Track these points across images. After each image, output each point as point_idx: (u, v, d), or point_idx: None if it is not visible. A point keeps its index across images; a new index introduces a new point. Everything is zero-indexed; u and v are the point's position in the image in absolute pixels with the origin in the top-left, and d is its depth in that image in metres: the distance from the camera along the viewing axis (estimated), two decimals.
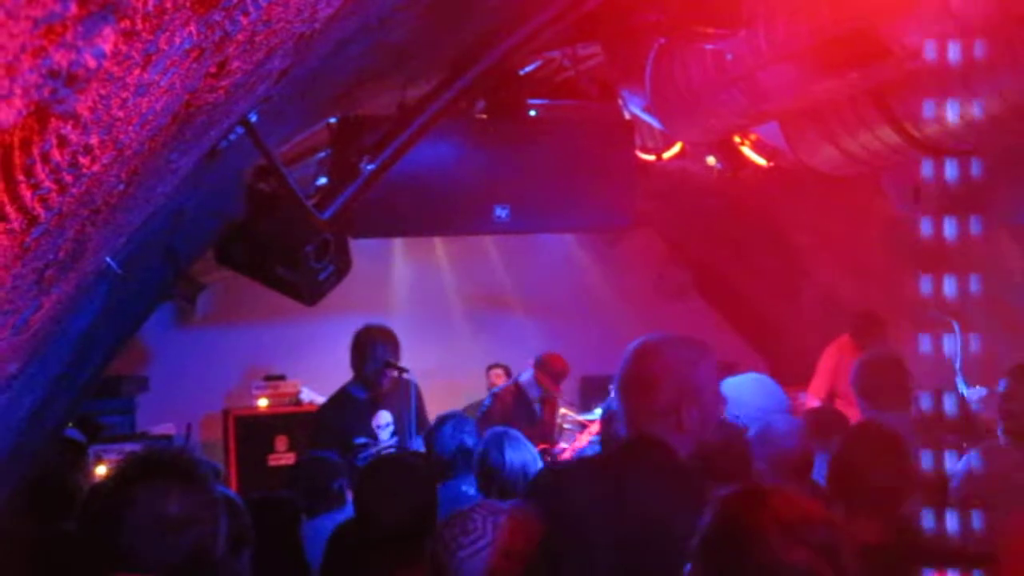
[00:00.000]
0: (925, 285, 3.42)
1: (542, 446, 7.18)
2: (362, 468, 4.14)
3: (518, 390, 7.51)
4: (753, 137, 6.27)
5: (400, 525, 3.44)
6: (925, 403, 3.38)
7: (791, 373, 8.85)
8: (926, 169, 3.91)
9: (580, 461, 3.49)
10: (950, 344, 3.54)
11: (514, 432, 4.81)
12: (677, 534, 2.70)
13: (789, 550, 1.90)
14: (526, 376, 7.62)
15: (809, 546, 1.91)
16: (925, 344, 3.64)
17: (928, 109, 3.88)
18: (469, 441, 5.10)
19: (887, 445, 3.34)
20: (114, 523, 2.54)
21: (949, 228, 3.35)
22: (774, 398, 4.33)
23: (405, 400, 6.09)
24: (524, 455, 4.67)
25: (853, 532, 3.04)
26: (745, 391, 4.51)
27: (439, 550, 2.84)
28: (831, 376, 7.67)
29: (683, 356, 2.89)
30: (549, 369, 7.55)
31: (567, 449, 7.01)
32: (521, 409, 7.39)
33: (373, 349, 6.17)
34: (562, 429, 7.49)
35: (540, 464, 4.70)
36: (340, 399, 6.33)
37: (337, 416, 6.23)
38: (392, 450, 6.01)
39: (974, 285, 3.35)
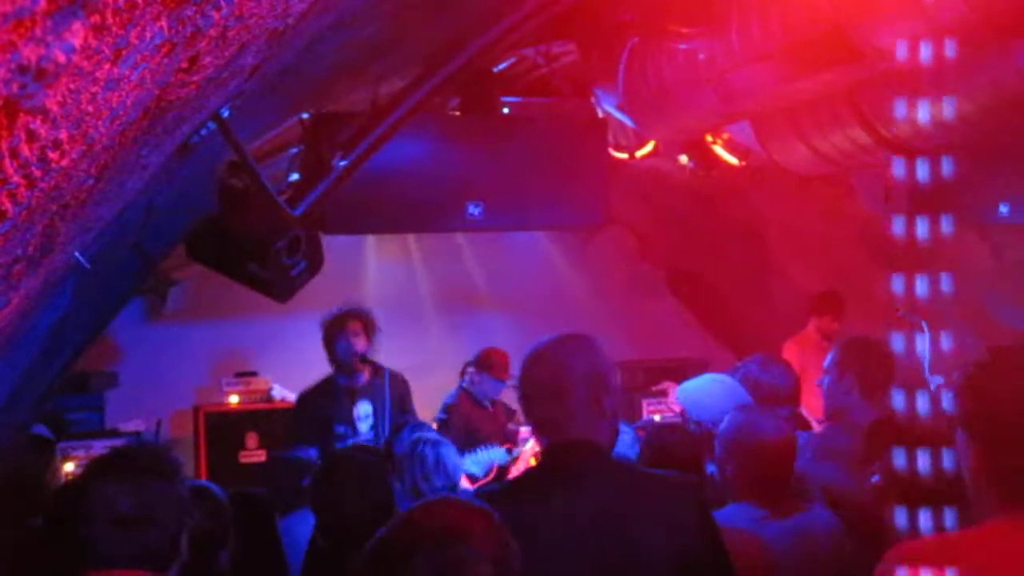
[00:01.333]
0: (896, 284, 3.44)
1: (507, 445, 7.17)
2: (316, 469, 4.15)
3: (468, 396, 7.45)
4: (725, 136, 6.30)
5: (360, 521, 3.43)
6: (898, 401, 3.38)
7: None
8: (897, 168, 3.93)
9: (515, 480, 3.54)
10: (920, 343, 3.55)
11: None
12: (638, 535, 2.72)
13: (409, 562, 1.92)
14: (468, 380, 7.53)
15: (425, 559, 1.92)
16: (896, 343, 3.65)
17: (899, 109, 3.91)
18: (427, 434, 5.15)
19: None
20: (77, 519, 2.54)
21: (920, 227, 3.36)
22: (736, 396, 4.31)
23: (380, 392, 6.13)
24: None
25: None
26: (704, 394, 4.49)
27: None
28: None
29: (577, 350, 2.92)
30: (494, 363, 7.42)
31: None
32: (477, 413, 7.34)
33: (337, 338, 6.22)
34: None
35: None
36: (324, 385, 6.37)
37: (320, 402, 6.28)
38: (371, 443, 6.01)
39: (944, 284, 3.36)
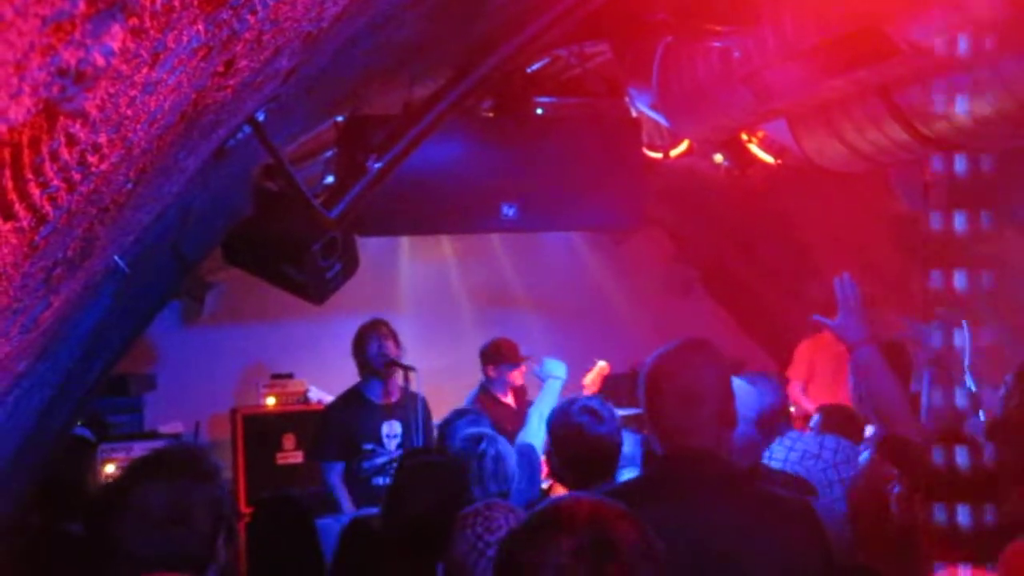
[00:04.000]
0: (935, 280, 3.40)
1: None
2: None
3: (488, 395, 7.35)
4: (760, 134, 6.27)
5: (425, 516, 3.43)
6: (936, 398, 3.35)
7: None
8: (936, 164, 3.89)
9: (628, 484, 3.42)
10: (959, 340, 3.51)
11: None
12: (751, 552, 2.67)
13: (549, 546, 1.89)
14: (484, 379, 7.43)
15: (570, 543, 1.89)
16: (936, 339, 3.61)
17: (937, 106, 3.87)
18: (474, 429, 5.08)
19: None
20: (113, 520, 2.54)
21: (958, 223, 3.33)
22: (744, 405, 4.29)
23: (413, 412, 6.07)
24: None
25: None
26: None
27: (464, 550, 2.84)
28: (808, 367, 7.88)
29: (711, 359, 2.92)
30: (503, 350, 7.30)
31: None
32: (498, 411, 7.25)
33: (368, 343, 6.18)
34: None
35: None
36: (351, 398, 6.31)
37: (347, 415, 6.21)
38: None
39: (984, 281, 3.32)
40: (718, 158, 6.71)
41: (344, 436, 6.13)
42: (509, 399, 7.30)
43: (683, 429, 2.82)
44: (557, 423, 4.00)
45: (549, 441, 4.07)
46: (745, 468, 3.23)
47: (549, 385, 6.03)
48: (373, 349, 6.16)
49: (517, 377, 7.28)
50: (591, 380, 6.85)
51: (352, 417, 6.18)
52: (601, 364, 6.91)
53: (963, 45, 3.28)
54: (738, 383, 4.53)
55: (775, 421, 4.43)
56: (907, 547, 3.29)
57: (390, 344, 6.21)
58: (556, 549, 1.86)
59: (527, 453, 5.14)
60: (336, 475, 6.05)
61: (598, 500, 2.02)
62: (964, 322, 3.47)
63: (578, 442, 3.92)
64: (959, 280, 3.28)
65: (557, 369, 6.13)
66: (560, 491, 6.56)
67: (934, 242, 3.41)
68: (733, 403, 2.87)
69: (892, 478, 3.49)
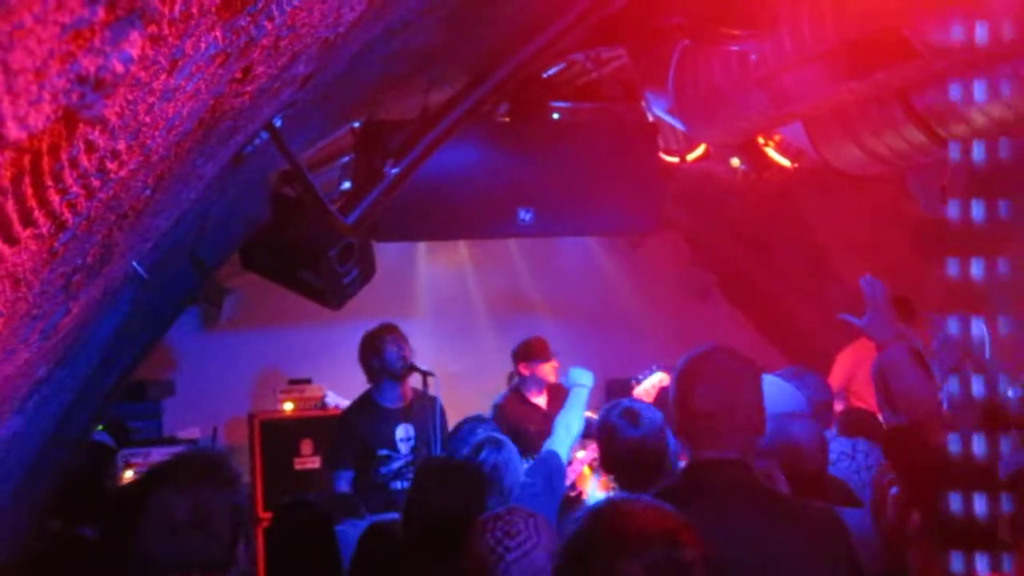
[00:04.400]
0: (952, 268, 3.36)
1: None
2: (419, 468, 4.11)
3: (519, 395, 7.35)
4: (777, 138, 6.25)
5: (446, 518, 3.43)
6: (953, 387, 3.32)
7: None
8: (953, 152, 3.86)
9: (657, 493, 3.42)
10: (978, 333, 3.49)
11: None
12: (781, 560, 2.66)
13: (621, 565, 1.90)
14: (518, 379, 7.43)
15: (641, 561, 1.90)
16: (953, 327, 3.59)
17: (954, 107, 3.86)
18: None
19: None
20: (132, 525, 2.54)
21: (976, 212, 3.29)
22: (793, 400, 4.27)
23: (431, 416, 6.06)
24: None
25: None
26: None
27: (484, 554, 2.83)
28: (847, 374, 7.69)
29: (746, 367, 2.92)
30: (532, 352, 7.27)
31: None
32: (526, 411, 7.23)
33: (385, 346, 6.14)
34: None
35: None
36: (365, 404, 6.31)
37: (361, 421, 6.21)
38: (413, 466, 5.98)
39: (1001, 270, 3.29)
40: (735, 162, 6.70)
41: (359, 443, 6.12)
42: (541, 399, 7.29)
43: (712, 437, 2.81)
44: (599, 423, 4.05)
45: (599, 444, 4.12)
46: (764, 475, 3.21)
47: (575, 393, 6.01)
48: (392, 353, 6.13)
49: (549, 373, 7.28)
50: (644, 391, 6.72)
51: (366, 423, 6.17)
52: (660, 375, 6.76)
53: (981, 46, 3.27)
54: (780, 381, 4.54)
55: (824, 417, 4.43)
56: (897, 555, 3.27)
57: (407, 348, 6.20)
58: (629, 567, 1.89)
59: (548, 460, 5.13)
60: (345, 483, 6.05)
61: (663, 510, 2.03)
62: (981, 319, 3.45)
63: (612, 444, 3.96)
64: (976, 270, 3.25)
65: (583, 377, 6.11)
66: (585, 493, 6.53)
67: (952, 232, 3.38)
68: (762, 411, 2.86)
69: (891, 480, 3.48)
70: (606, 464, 4.12)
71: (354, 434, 6.15)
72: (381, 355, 6.15)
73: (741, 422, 2.81)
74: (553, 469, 5.06)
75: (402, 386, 6.21)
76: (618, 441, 3.94)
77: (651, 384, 6.78)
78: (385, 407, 6.19)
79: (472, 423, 5.33)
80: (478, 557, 2.86)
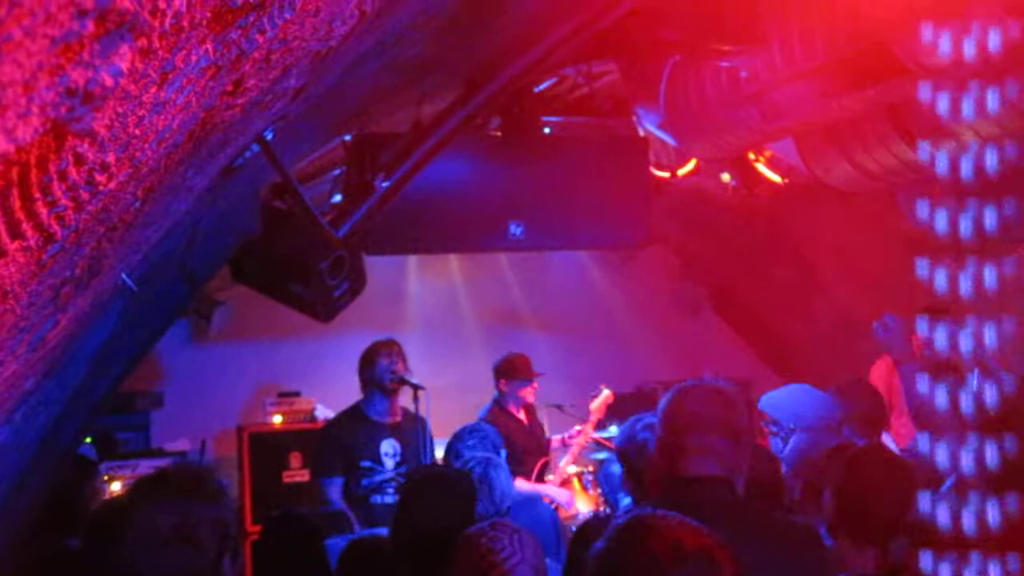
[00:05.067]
0: (920, 269, 3.38)
1: (543, 459, 7.13)
2: (408, 479, 4.11)
3: (501, 409, 7.35)
4: (768, 153, 6.28)
5: (435, 528, 3.43)
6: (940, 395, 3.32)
7: None
8: (940, 166, 3.87)
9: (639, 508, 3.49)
10: (965, 341, 3.49)
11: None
12: (763, 573, 2.69)
13: None
14: (497, 393, 7.41)
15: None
16: (940, 341, 3.59)
17: (943, 125, 3.87)
18: (479, 453, 5.09)
19: (891, 472, 3.28)
20: (117, 539, 2.53)
21: (964, 223, 3.30)
22: (828, 408, 4.30)
23: (421, 433, 6.06)
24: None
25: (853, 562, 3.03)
26: (795, 400, 4.45)
27: (468, 570, 2.83)
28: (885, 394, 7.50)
29: (734, 390, 3.02)
30: (516, 366, 7.26)
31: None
32: (511, 425, 7.22)
33: (378, 358, 6.15)
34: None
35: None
36: (353, 415, 6.30)
37: (346, 432, 6.19)
38: (396, 481, 5.97)
39: (1007, 270, 3.30)
40: (725, 177, 6.72)
41: (343, 452, 6.11)
42: (522, 414, 7.29)
43: (696, 454, 2.84)
44: (623, 439, 4.06)
45: (617, 456, 4.13)
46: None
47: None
48: (383, 364, 6.13)
49: (529, 394, 7.28)
50: (596, 407, 6.93)
51: (351, 434, 6.16)
52: (606, 393, 7.17)
53: (969, 64, 3.28)
54: (813, 390, 4.57)
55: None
56: None
57: (400, 363, 6.20)
58: None
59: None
60: (336, 490, 6.02)
61: (697, 528, 2.03)
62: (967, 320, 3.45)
63: (642, 458, 3.98)
64: (964, 282, 3.27)
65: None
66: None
67: (936, 241, 3.40)
68: (751, 433, 2.93)
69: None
70: (632, 477, 4.13)
71: (339, 443, 6.13)
72: (372, 366, 6.16)
73: (744, 440, 2.88)
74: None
75: (392, 401, 6.20)
76: (649, 455, 3.98)
77: (601, 401, 7.28)
78: (373, 419, 6.17)
79: (472, 435, 5.34)
80: (463, 572, 2.86)
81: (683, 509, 2.75)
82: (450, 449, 5.25)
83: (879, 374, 7.42)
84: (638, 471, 4.04)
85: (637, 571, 1.95)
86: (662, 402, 2.98)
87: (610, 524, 2.09)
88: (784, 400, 4.50)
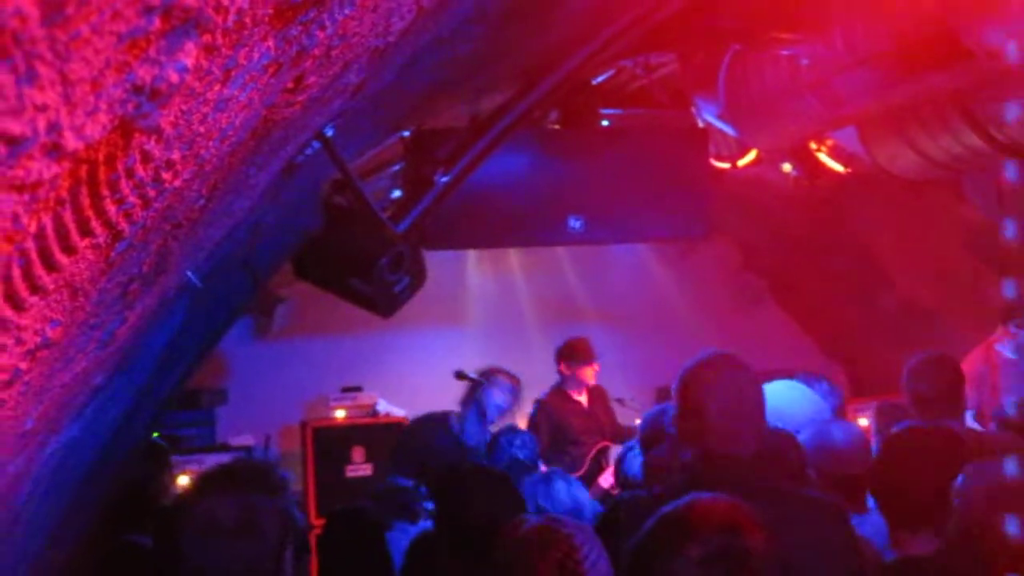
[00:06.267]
0: (1008, 290, 3.33)
1: (603, 443, 7.12)
2: (446, 471, 4.12)
3: (560, 392, 7.45)
4: (830, 143, 6.19)
5: (482, 524, 3.43)
6: (1011, 410, 3.27)
7: (869, 382, 8.71)
8: (1009, 172, 3.81)
9: (665, 488, 3.46)
10: None
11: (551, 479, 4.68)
12: (795, 550, 2.69)
13: (680, 550, 1.88)
14: (559, 377, 7.54)
15: (701, 548, 1.88)
16: (1007, 351, 3.54)
17: (1011, 111, 3.80)
18: (521, 454, 5.15)
19: (926, 451, 3.22)
20: (180, 532, 2.55)
21: None
22: (814, 405, 4.25)
23: None
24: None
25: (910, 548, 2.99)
26: (783, 400, 4.36)
27: (552, 568, 2.81)
28: (976, 386, 6.09)
29: (750, 370, 3.06)
30: (574, 353, 7.40)
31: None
32: (569, 408, 7.32)
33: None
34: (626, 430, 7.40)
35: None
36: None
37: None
38: None
39: None
40: (786, 167, 6.65)
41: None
42: (583, 397, 7.36)
43: (727, 434, 2.88)
44: (648, 428, 4.06)
45: (639, 446, 4.14)
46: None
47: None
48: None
49: (589, 376, 7.37)
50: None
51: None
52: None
53: None
54: (804, 388, 4.50)
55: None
56: None
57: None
58: (684, 558, 1.88)
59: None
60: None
61: (734, 504, 2.02)
62: None
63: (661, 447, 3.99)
64: None
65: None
66: None
67: (1007, 251, 3.34)
68: (764, 411, 2.98)
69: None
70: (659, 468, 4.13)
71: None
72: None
73: (760, 419, 2.93)
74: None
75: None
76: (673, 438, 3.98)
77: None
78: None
79: (509, 435, 5.39)
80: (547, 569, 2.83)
81: (708, 488, 2.77)
82: (491, 448, 5.32)
83: (974, 359, 6.93)
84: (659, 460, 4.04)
85: (663, 541, 1.94)
86: (676, 384, 3.01)
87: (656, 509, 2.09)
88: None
